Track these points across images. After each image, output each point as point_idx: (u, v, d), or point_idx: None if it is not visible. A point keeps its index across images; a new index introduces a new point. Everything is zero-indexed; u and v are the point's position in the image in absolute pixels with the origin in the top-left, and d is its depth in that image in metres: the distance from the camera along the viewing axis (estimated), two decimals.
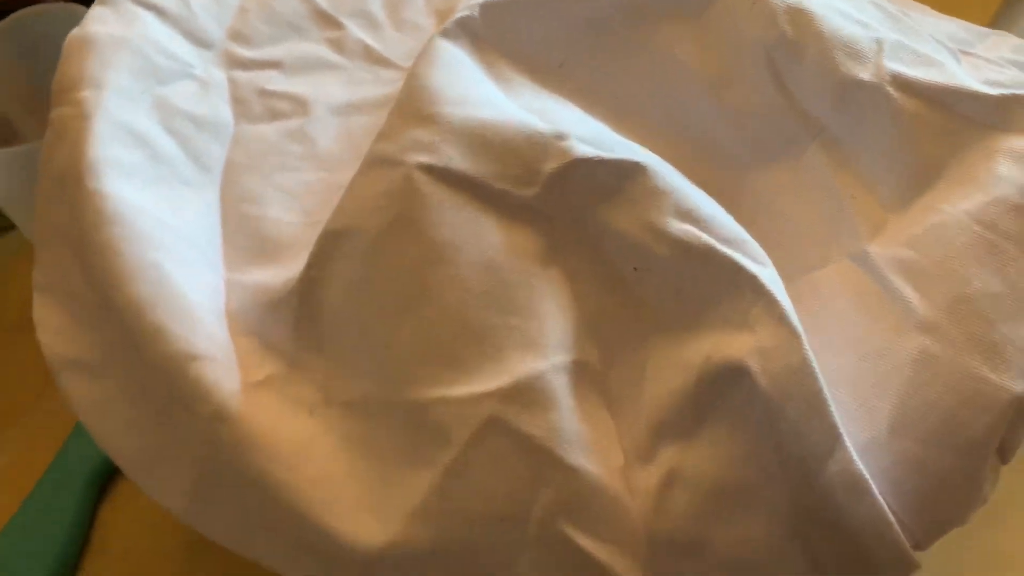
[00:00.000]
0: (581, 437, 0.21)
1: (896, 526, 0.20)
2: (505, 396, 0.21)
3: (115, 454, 0.26)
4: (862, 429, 0.21)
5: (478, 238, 0.22)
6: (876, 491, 0.20)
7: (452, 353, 0.21)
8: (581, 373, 0.22)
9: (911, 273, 0.23)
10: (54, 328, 0.27)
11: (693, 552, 0.21)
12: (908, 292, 0.22)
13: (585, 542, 0.20)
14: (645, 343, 0.22)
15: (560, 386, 0.21)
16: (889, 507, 0.21)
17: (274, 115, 0.29)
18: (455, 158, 0.22)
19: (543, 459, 0.20)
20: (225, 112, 0.29)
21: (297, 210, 0.27)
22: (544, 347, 0.21)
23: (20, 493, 0.35)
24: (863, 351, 0.22)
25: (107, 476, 0.36)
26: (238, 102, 0.29)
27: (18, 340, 0.41)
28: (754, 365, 0.20)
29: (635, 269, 0.22)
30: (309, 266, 0.24)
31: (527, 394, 0.21)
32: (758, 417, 0.20)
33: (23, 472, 0.36)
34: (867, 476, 0.20)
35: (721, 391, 0.20)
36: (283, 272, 0.25)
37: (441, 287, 0.22)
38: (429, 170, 0.22)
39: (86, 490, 0.35)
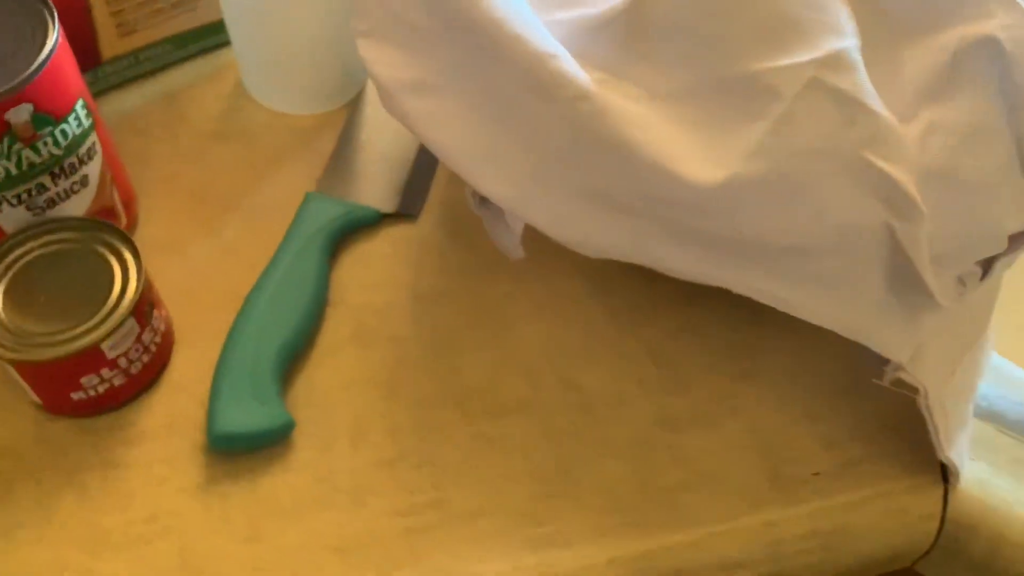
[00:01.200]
0: (875, 93, 0.28)
1: None
2: (821, 63, 0.28)
3: (449, 155, 0.33)
4: None
5: None
6: None
7: (777, 36, 0.28)
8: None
9: None
10: (386, 61, 0.33)
11: (948, 178, 0.29)
12: None
13: (882, 164, 0.28)
14: (900, 44, 0.30)
15: (858, 58, 0.29)
16: None
17: None
18: None
19: (852, 106, 0.28)
20: None
21: None
22: (843, 32, 0.29)
23: (247, 261, 0.40)
24: None
25: (338, 242, 0.42)
26: None
27: (216, 147, 0.46)
28: (1000, 35, 0.28)
29: None
30: None
31: (838, 61, 0.28)
32: (1000, 73, 0.28)
33: (248, 244, 0.42)
34: None
35: (974, 57, 0.28)
36: (593, 10, 0.32)
37: None
38: None
39: (321, 256, 0.40)
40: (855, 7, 0.30)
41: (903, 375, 0.32)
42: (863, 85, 0.28)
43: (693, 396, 0.38)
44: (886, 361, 0.33)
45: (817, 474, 0.36)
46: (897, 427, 0.37)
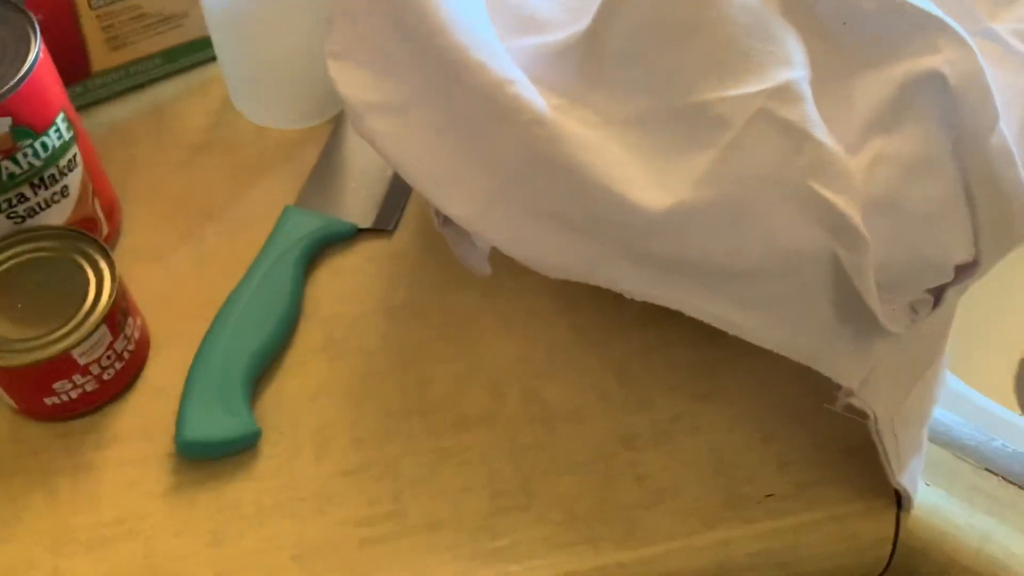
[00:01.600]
0: (822, 124, 0.29)
1: None
2: (770, 94, 0.29)
3: (413, 176, 0.33)
4: None
5: None
6: (1019, 163, 0.29)
7: (727, 67, 0.29)
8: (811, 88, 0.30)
9: None
10: (356, 83, 0.34)
11: (893, 208, 0.29)
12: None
13: (827, 193, 0.28)
14: (851, 76, 0.30)
15: (806, 90, 0.29)
16: None
17: None
18: None
19: (799, 136, 0.28)
20: None
21: (552, 2, 0.34)
22: (792, 64, 0.29)
23: (225, 270, 0.41)
24: (996, 87, 0.31)
25: (314, 254, 0.42)
26: None
27: (201, 158, 0.47)
28: (945, 69, 0.28)
29: (844, 23, 0.30)
30: (595, 21, 0.31)
31: (786, 92, 0.29)
32: (945, 106, 0.28)
33: (227, 254, 0.43)
34: (1014, 149, 0.29)
35: (920, 91, 0.29)
36: (554, 37, 0.33)
37: (716, 22, 0.29)
38: None
39: (297, 268, 0.41)
40: (808, 39, 0.31)
41: (853, 400, 0.33)
42: (810, 116, 0.29)
43: (653, 415, 0.39)
44: (838, 386, 0.34)
45: (771, 495, 0.36)
46: (853, 450, 0.37)
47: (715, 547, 0.36)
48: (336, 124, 0.48)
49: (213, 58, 0.49)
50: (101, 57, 0.47)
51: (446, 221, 0.35)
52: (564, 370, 0.40)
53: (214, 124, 0.49)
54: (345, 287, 0.42)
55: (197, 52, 0.49)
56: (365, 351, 0.40)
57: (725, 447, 0.38)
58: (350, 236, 0.44)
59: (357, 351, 0.40)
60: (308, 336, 0.41)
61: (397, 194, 0.46)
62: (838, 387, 0.34)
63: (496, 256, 0.37)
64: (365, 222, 0.44)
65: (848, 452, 0.37)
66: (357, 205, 0.45)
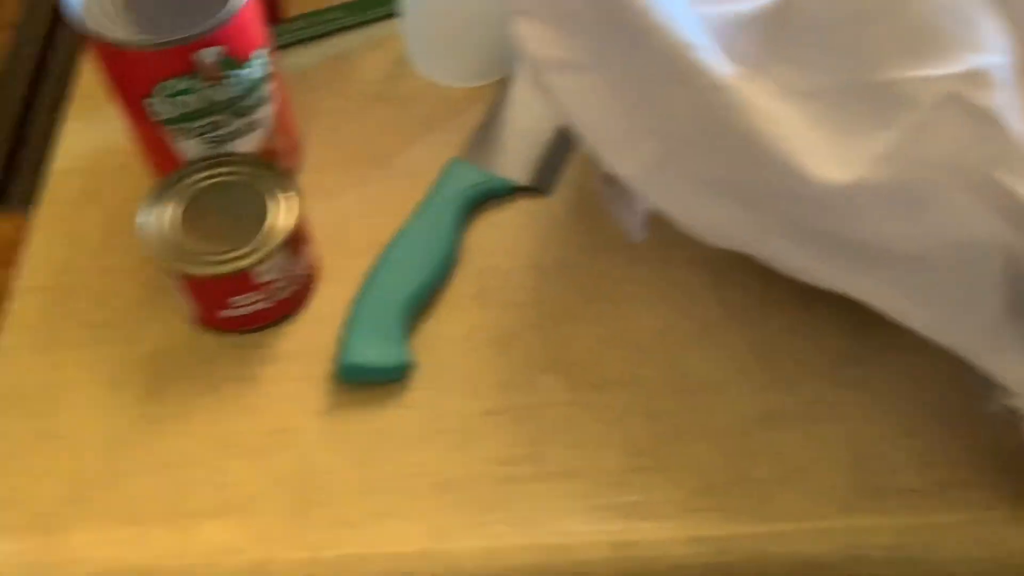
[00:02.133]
0: (1017, 114, 0.29)
1: None
2: (963, 77, 0.28)
3: (587, 132, 0.35)
4: None
5: None
6: None
7: (920, 47, 0.29)
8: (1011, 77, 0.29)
9: None
10: (539, 38, 0.35)
11: None
12: None
13: (1013, 184, 0.28)
14: None
15: (1002, 77, 0.29)
16: None
17: None
18: None
19: (989, 123, 0.28)
20: None
21: None
22: (990, 49, 0.29)
23: (390, 214, 0.43)
24: None
25: (474, 207, 0.44)
26: None
27: (376, 108, 0.50)
28: None
29: None
30: None
31: (980, 78, 0.28)
32: None
33: (393, 199, 0.44)
34: None
35: None
36: (743, 7, 0.33)
37: (911, 0, 0.29)
38: None
39: (457, 218, 0.43)
40: (1013, 28, 0.30)
41: (1013, 403, 0.32)
42: (1004, 104, 0.28)
43: (796, 396, 0.39)
44: (995, 387, 0.33)
45: (912, 491, 0.36)
46: (1001, 455, 0.36)
47: (849, 533, 0.35)
48: (502, 85, 0.50)
49: (393, 14, 0.52)
50: (295, 5, 0.50)
51: (609, 180, 0.36)
52: (707, 343, 0.40)
53: (390, 77, 0.51)
54: (500, 241, 0.44)
55: (380, 7, 0.51)
56: (515, 303, 0.42)
57: (867, 437, 0.37)
58: (508, 193, 0.45)
59: (507, 303, 0.42)
60: (463, 283, 0.43)
61: (555, 157, 0.47)
62: (993, 387, 0.34)
63: (648, 227, 0.38)
64: (523, 181, 0.45)
65: (996, 456, 0.36)
66: (517, 164, 0.46)
